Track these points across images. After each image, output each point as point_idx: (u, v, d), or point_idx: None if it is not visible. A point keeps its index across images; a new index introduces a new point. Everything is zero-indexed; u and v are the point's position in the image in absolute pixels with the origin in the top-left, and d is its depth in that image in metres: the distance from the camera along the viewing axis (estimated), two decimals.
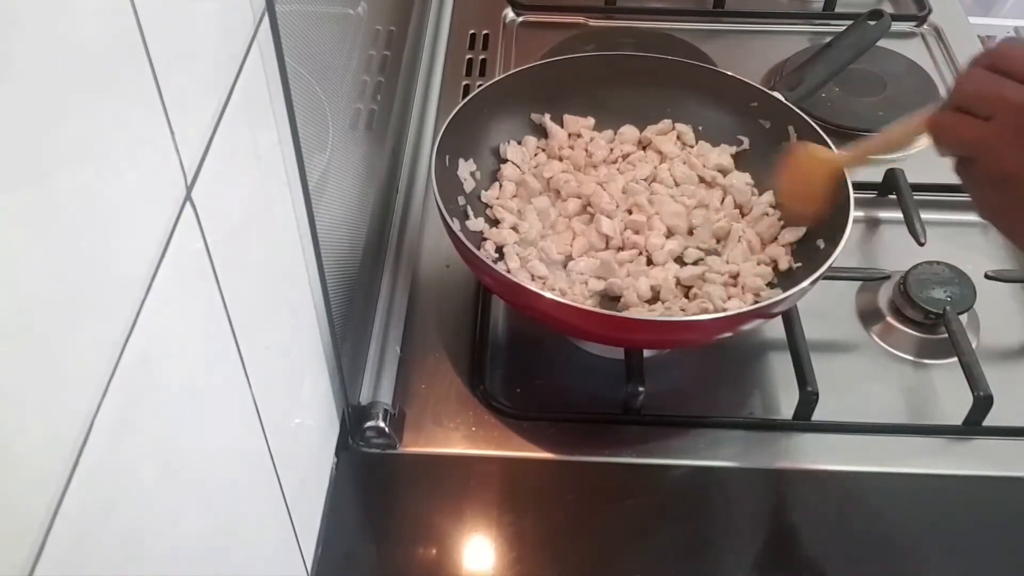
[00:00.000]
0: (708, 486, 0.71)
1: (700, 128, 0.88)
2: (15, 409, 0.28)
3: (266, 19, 0.47)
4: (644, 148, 0.88)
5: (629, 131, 0.88)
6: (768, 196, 0.82)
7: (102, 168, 0.32)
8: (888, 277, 0.83)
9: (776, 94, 0.85)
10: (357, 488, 0.70)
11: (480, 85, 0.87)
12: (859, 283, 0.84)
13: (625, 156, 0.87)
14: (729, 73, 0.88)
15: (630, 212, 0.81)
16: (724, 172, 0.85)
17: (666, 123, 0.88)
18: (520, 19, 1.18)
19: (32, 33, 0.28)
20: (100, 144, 0.32)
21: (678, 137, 0.88)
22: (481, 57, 1.12)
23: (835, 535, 0.68)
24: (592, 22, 1.18)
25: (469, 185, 0.82)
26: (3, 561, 0.28)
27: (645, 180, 0.84)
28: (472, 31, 1.15)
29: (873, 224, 0.91)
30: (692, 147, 0.87)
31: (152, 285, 0.36)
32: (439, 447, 0.72)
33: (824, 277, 0.81)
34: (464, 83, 1.07)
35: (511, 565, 0.65)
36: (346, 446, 0.72)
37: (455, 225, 0.72)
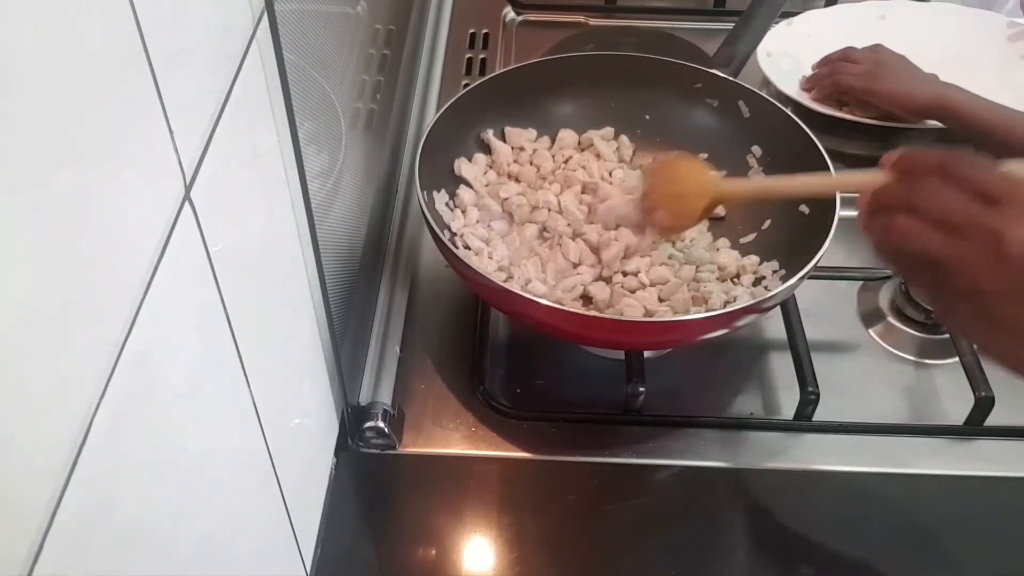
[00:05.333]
0: (709, 486, 0.71)
1: (647, 117, 0.89)
2: (15, 408, 0.28)
3: (265, 18, 0.47)
4: (583, 150, 0.88)
5: (567, 135, 0.88)
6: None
7: (101, 168, 0.32)
8: (889, 277, 0.83)
9: (716, 71, 0.86)
10: (356, 488, 0.70)
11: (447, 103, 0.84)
12: (860, 283, 0.84)
13: (566, 160, 0.87)
14: (666, 59, 0.88)
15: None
16: None
17: (608, 130, 0.89)
18: (520, 18, 1.18)
19: (31, 33, 0.28)
20: (99, 144, 0.32)
21: (617, 148, 0.88)
22: (481, 56, 1.12)
23: (836, 535, 0.68)
24: (592, 21, 1.18)
25: (448, 217, 0.80)
26: (3, 560, 0.28)
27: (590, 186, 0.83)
28: (472, 30, 1.15)
29: None
30: (627, 162, 0.88)
31: (151, 285, 0.36)
32: (439, 447, 0.72)
33: (825, 277, 0.82)
34: (464, 82, 1.07)
35: (511, 565, 0.65)
36: (345, 446, 0.71)
37: (445, 235, 0.72)
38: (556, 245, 0.79)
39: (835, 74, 0.99)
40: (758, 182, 0.80)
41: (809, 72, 1.04)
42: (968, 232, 0.48)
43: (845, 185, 0.62)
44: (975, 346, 0.51)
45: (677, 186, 0.72)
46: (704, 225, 0.83)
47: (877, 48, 0.98)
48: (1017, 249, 0.46)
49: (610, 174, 0.86)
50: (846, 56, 0.99)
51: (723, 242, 0.81)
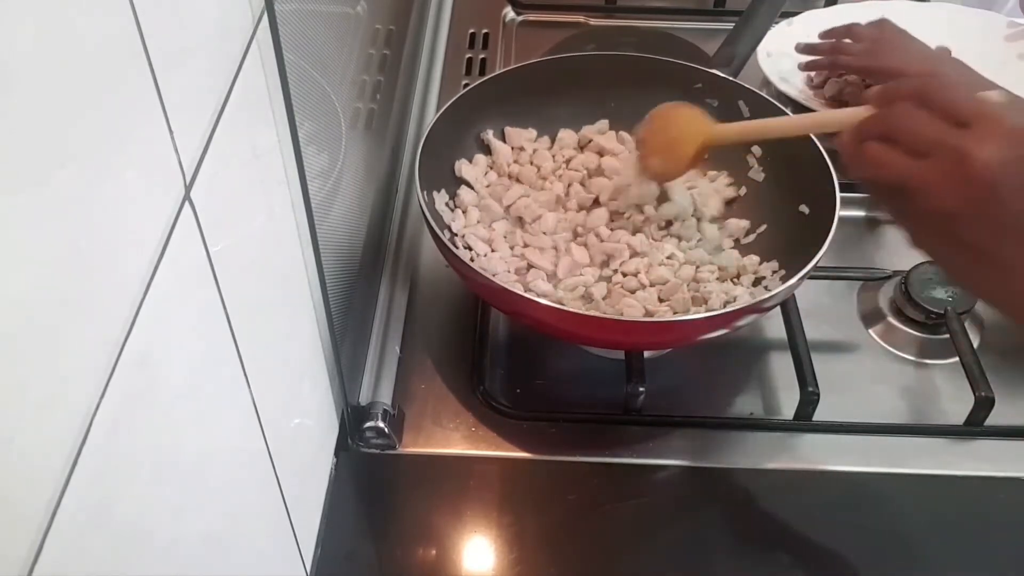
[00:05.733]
0: (709, 486, 0.71)
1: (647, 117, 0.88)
2: (15, 408, 0.28)
3: (265, 18, 0.47)
4: (583, 148, 0.88)
5: (567, 135, 0.88)
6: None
7: (101, 167, 0.32)
8: (889, 277, 0.83)
9: (716, 71, 0.86)
10: (357, 488, 0.70)
11: (445, 104, 0.84)
12: (860, 283, 0.84)
13: (567, 160, 0.86)
14: (666, 59, 0.88)
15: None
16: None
17: (603, 123, 0.89)
18: (520, 18, 1.18)
19: (31, 33, 0.28)
20: (99, 143, 0.32)
21: (617, 140, 0.88)
22: (481, 56, 1.12)
23: (836, 535, 0.68)
24: (592, 21, 1.18)
25: (448, 217, 0.80)
26: (3, 559, 0.28)
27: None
28: (472, 30, 1.15)
29: (874, 223, 0.90)
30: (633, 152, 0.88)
31: (151, 284, 0.36)
32: (439, 447, 0.72)
33: (825, 277, 0.82)
34: (464, 82, 1.07)
35: (511, 565, 0.65)
36: (345, 446, 0.71)
37: (445, 235, 0.72)
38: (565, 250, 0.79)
39: (835, 53, 0.99)
40: (747, 124, 0.80)
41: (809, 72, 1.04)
42: (934, 153, 0.48)
43: (832, 122, 0.63)
44: (941, 269, 0.52)
45: (670, 133, 0.75)
46: (714, 224, 0.83)
47: (881, 23, 0.97)
48: (980, 168, 0.46)
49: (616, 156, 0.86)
50: (849, 32, 0.99)
51: (725, 242, 0.81)
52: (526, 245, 0.80)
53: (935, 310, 0.78)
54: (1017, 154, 0.47)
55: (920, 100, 0.50)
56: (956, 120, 0.49)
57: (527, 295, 0.68)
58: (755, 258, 0.79)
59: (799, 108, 0.98)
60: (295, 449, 0.60)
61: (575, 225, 0.81)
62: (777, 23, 1.07)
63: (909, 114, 0.50)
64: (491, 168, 0.86)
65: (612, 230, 0.80)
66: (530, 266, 0.78)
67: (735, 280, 0.78)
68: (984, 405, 0.71)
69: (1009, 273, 0.48)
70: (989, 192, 0.46)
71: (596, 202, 0.83)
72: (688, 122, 0.74)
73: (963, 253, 0.49)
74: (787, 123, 0.72)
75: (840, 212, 0.71)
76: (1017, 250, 0.47)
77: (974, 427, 0.73)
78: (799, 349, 0.74)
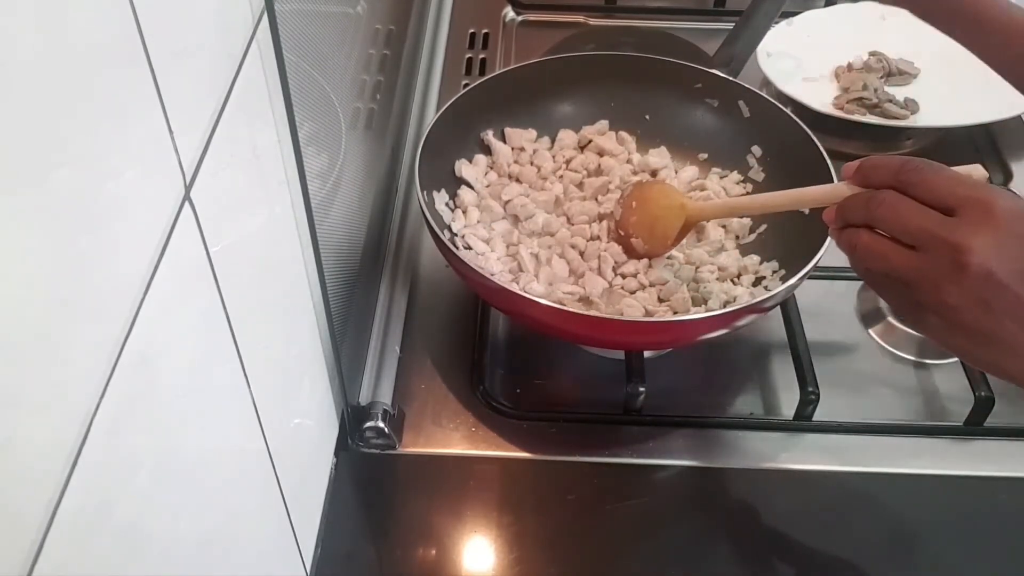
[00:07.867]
0: (708, 486, 0.71)
1: (647, 117, 0.88)
2: (14, 409, 0.28)
3: (265, 18, 0.47)
4: (583, 149, 0.88)
5: (567, 136, 0.88)
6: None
7: (100, 167, 0.32)
8: None
9: (716, 71, 0.86)
10: (356, 488, 0.70)
11: (444, 105, 0.84)
12: (860, 283, 0.84)
13: (568, 161, 0.86)
14: (666, 59, 0.88)
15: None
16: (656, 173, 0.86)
17: (603, 123, 0.88)
18: (520, 18, 1.18)
19: (30, 32, 0.28)
20: (99, 143, 0.32)
21: (616, 140, 0.88)
22: (481, 56, 1.12)
23: (836, 536, 0.68)
24: (592, 21, 1.18)
25: (448, 217, 0.80)
26: (2, 561, 0.28)
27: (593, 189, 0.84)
28: (472, 30, 1.15)
29: None
30: (632, 153, 0.88)
31: (151, 285, 0.36)
32: (439, 447, 0.72)
33: (825, 277, 0.81)
34: (464, 82, 1.07)
35: (511, 565, 0.65)
36: (345, 446, 0.71)
37: (445, 235, 0.72)
38: (558, 254, 0.79)
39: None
40: (727, 202, 0.80)
41: (809, 73, 1.04)
42: (927, 246, 0.48)
43: (810, 200, 0.64)
44: (951, 352, 0.51)
45: (650, 211, 0.75)
46: (718, 223, 0.83)
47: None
48: (976, 260, 0.46)
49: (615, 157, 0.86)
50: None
51: (726, 243, 0.81)
52: (519, 243, 0.80)
53: None
54: (1010, 236, 0.46)
55: (901, 186, 0.50)
56: (942, 207, 0.48)
57: (527, 295, 0.68)
58: (755, 258, 0.79)
59: (799, 108, 0.98)
60: (295, 449, 0.60)
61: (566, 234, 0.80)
62: (777, 23, 1.07)
63: (894, 205, 0.49)
64: (491, 168, 0.86)
65: (598, 237, 0.79)
66: (520, 268, 0.78)
67: (735, 280, 0.78)
68: (984, 405, 0.71)
69: (1019, 354, 0.47)
70: (988, 281, 0.46)
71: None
72: (667, 199, 0.74)
73: (970, 338, 0.48)
74: (765, 200, 0.72)
75: None
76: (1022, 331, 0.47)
77: (974, 427, 0.73)
78: (799, 349, 0.74)
